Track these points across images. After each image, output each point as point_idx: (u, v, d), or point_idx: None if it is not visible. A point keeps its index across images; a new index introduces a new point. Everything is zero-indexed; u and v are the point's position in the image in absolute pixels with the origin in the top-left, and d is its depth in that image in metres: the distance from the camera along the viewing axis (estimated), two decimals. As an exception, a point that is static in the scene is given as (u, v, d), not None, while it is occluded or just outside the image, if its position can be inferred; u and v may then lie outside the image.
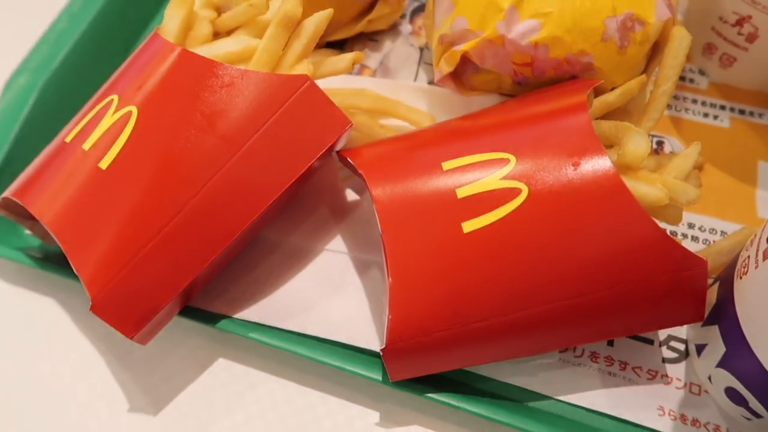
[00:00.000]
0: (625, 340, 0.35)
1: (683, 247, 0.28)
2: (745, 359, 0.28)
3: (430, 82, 0.45)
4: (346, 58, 0.36)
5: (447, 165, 0.30)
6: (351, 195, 0.39)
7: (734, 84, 0.44)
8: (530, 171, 0.29)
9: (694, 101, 0.43)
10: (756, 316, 0.27)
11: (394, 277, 0.29)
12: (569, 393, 0.33)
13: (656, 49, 0.37)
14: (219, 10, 0.39)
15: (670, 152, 0.41)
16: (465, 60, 0.38)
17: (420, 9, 0.48)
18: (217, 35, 0.38)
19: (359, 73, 0.45)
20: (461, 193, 0.29)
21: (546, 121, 0.31)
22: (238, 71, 0.32)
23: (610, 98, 0.37)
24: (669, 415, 0.32)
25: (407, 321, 0.29)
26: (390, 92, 0.43)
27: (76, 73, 0.44)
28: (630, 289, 0.28)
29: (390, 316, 0.29)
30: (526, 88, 0.39)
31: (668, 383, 0.33)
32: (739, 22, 0.39)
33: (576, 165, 0.28)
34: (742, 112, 0.43)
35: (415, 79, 0.45)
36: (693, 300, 0.29)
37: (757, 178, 0.40)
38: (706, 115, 0.43)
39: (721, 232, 0.38)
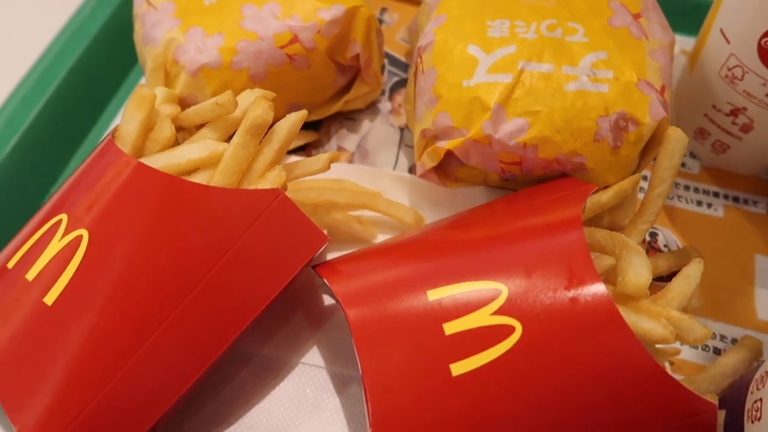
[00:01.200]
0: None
1: (690, 391, 0.26)
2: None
3: (411, 167, 0.42)
4: (322, 158, 0.34)
5: (433, 294, 0.28)
6: (328, 300, 0.37)
7: (727, 169, 0.42)
8: (523, 305, 0.26)
9: (687, 188, 0.42)
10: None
11: (376, 427, 0.26)
12: None
13: (649, 145, 0.35)
14: (183, 102, 0.37)
15: (665, 248, 0.39)
16: (449, 153, 0.36)
17: (400, 84, 0.46)
18: (180, 129, 0.35)
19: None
20: (449, 329, 0.27)
21: (538, 239, 0.29)
22: (202, 188, 0.29)
23: (603, 199, 0.34)
24: None
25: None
26: (369, 181, 0.40)
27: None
28: (634, 437, 0.26)
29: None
30: (513, 183, 0.37)
31: None
32: (734, 113, 0.38)
33: (573, 300, 0.26)
34: (736, 199, 0.41)
35: (396, 163, 0.42)
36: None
37: (755, 274, 0.38)
38: (699, 203, 0.41)
39: (721, 336, 0.36)
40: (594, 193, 0.34)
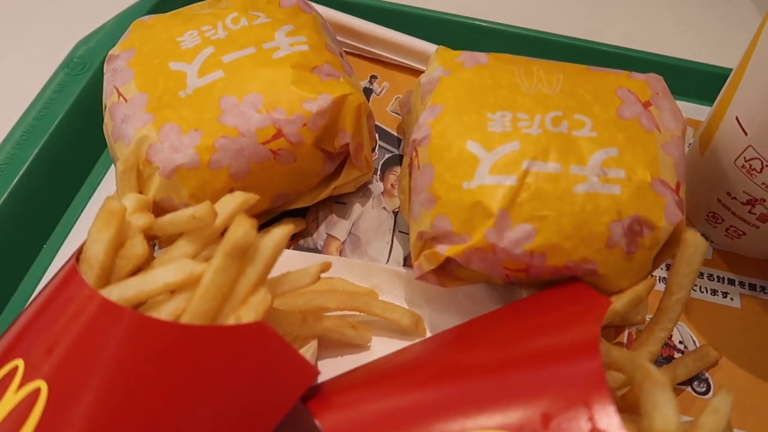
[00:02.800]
0: None
1: None
2: None
3: (407, 256, 0.39)
4: (311, 271, 0.31)
5: (437, 443, 0.25)
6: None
7: (743, 253, 0.40)
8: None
9: (701, 275, 0.39)
10: None
11: None
12: None
13: (665, 247, 0.33)
14: (158, 205, 0.34)
15: (680, 344, 0.37)
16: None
17: (392, 161, 0.43)
18: (153, 238, 0.32)
19: (324, 246, 0.39)
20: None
21: (553, 371, 0.26)
22: (175, 328, 0.26)
23: (617, 307, 0.32)
24: None
25: None
26: (363, 277, 0.37)
27: None
28: None
29: None
30: (519, 284, 0.34)
31: None
32: (751, 203, 0.35)
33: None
34: (753, 287, 0.39)
35: (390, 253, 0.39)
36: None
37: (778, 373, 0.36)
38: (714, 292, 0.38)
39: (746, 448, 0.33)
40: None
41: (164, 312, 0.28)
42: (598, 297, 0.30)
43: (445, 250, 0.32)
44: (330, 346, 0.35)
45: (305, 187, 0.39)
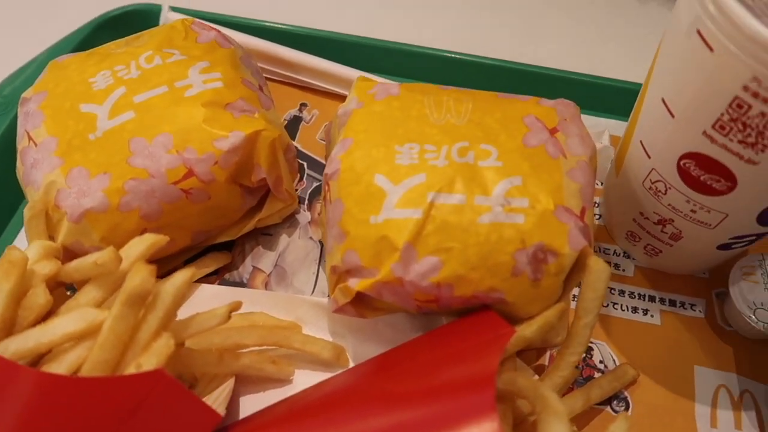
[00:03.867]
0: None
1: None
2: None
3: (333, 286, 0.39)
4: (219, 313, 0.31)
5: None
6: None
7: (662, 269, 0.40)
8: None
9: (622, 293, 0.40)
10: None
11: None
12: None
13: (573, 272, 0.33)
14: (68, 250, 0.33)
15: (600, 363, 0.37)
16: (363, 288, 0.34)
17: (320, 190, 0.43)
18: (60, 285, 0.32)
19: (250, 279, 0.40)
20: None
21: (446, 414, 0.26)
22: (70, 380, 0.26)
23: (526, 334, 0.32)
24: None
25: None
26: (286, 310, 0.38)
27: None
28: None
29: None
30: (434, 313, 0.34)
31: None
32: (661, 222, 0.36)
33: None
34: (673, 303, 0.39)
35: (315, 284, 0.40)
36: None
37: (695, 389, 0.36)
38: (635, 310, 0.39)
39: (663, 466, 0.34)
40: (519, 324, 0.33)
41: (66, 362, 0.28)
42: (503, 327, 0.31)
43: (355, 284, 0.32)
44: (251, 382, 0.35)
45: (227, 222, 0.39)
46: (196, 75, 0.36)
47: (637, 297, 0.40)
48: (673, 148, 0.31)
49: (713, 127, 0.28)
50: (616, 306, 0.39)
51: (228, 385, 0.34)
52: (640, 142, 0.34)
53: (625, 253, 0.41)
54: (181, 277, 0.29)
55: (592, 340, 0.38)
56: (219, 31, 0.41)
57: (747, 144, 0.27)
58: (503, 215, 0.31)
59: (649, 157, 0.34)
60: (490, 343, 0.29)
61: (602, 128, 0.45)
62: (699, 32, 0.26)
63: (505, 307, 0.33)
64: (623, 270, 0.41)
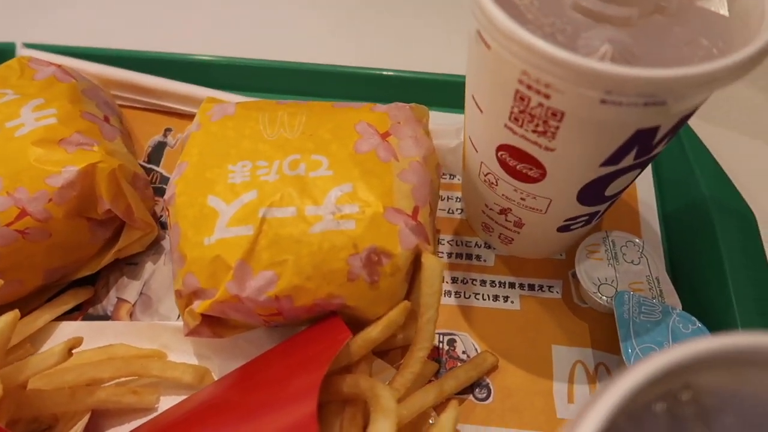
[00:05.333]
0: None
1: None
2: None
3: (200, 308, 0.40)
4: (56, 351, 0.31)
5: None
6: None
7: (519, 255, 0.42)
8: None
9: (483, 282, 0.41)
10: None
11: None
12: None
13: (414, 269, 0.34)
14: None
15: (463, 354, 0.38)
16: (213, 308, 0.34)
17: (187, 213, 0.44)
18: None
19: (114, 311, 0.39)
20: None
21: (273, 418, 0.27)
22: None
23: (372, 335, 0.33)
24: None
25: None
26: (149, 338, 0.37)
27: None
28: None
29: None
30: (283, 327, 0.35)
31: None
32: (503, 212, 0.37)
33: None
34: (531, 287, 0.41)
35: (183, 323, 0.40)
36: None
37: (553, 368, 0.37)
38: (496, 298, 0.40)
39: (523, 446, 0.35)
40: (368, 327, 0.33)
41: None
42: (342, 332, 0.31)
43: (198, 306, 0.32)
44: (114, 415, 0.35)
45: (83, 256, 0.38)
46: (29, 113, 0.36)
47: (497, 285, 0.41)
48: (489, 141, 0.32)
49: (510, 119, 0.29)
50: (477, 296, 0.40)
51: (83, 421, 0.33)
52: (469, 137, 0.36)
53: (485, 243, 0.43)
54: (4, 319, 0.29)
55: (454, 331, 0.39)
56: (59, 66, 0.41)
57: (539, 133, 0.28)
58: (334, 223, 0.32)
59: (477, 151, 0.35)
60: (328, 350, 0.30)
61: (459, 125, 0.47)
62: (479, 32, 0.28)
63: (350, 311, 0.33)
64: (484, 260, 0.42)
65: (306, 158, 0.34)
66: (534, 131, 0.29)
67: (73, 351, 0.34)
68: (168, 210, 0.34)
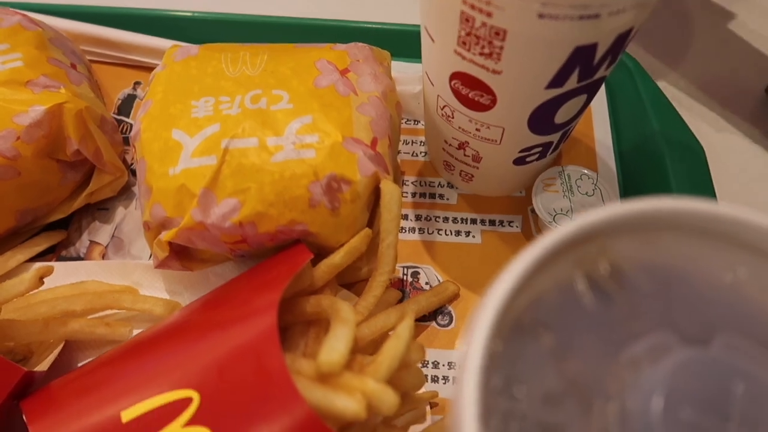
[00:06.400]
0: None
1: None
2: None
3: (170, 249, 0.41)
4: (26, 278, 0.32)
5: (127, 414, 0.26)
6: None
7: (480, 193, 0.43)
8: (214, 410, 0.26)
9: (446, 219, 0.42)
10: None
11: None
12: None
13: (375, 198, 0.35)
14: None
15: (427, 285, 0.40)
16: (181, 240, 0.35)
17: (157, 161, 0.45)
18: None
19: (88, 252, 0.40)
20: (141, 451, 0.25)
21: (234, 333, 0.28)
22: None
23: (335, 260, 0.34)
24: None
25: None
26: (121, 276, 0.39)
27: None
28: None
29: None
30: (252, 257, 0.36)
31: None
32: (461, 146, 0.39)
33: (260, 395, 0.25)
34: (492, 222, 0.42)
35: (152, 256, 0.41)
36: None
37: (512, 295, 0.39)
38: (458, 233, 0.42)
39: (481, 367, 0.37)
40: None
41: None
42: (302, 254, 0.33)
43: (164, 235, 0.33)
44: (87, 347, 0.36)
45: (55, 199, 0.39)
46: (-5, 57, 0.37)
47: (460, 221, 0.42)
48: (442, 71, 0.34)
49: (458, 44, 0.30)
50: (440, 232, 0.42)
51: (56, 350, 0.35)
52: (426, 72, 0.37)
53: (448, 183, 0.44)
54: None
55: (417, 264, 0.41)
56: (25, 15, 0.41)
57: (485, 55, 0.30)
58: (294, 152, 0.33)
59: (433, 84, 0.36)
60: (289, 269, 0.31)
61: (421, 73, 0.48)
62: (425, -43, 0.29)
63: (314, 239, 0.35)
64: (447, 199, 0.44)
65: (267, 93, 0.35)
66: (481, 54, 0.30)
67: (46, 288, 0.36)
68: (134, 147, 0.35)
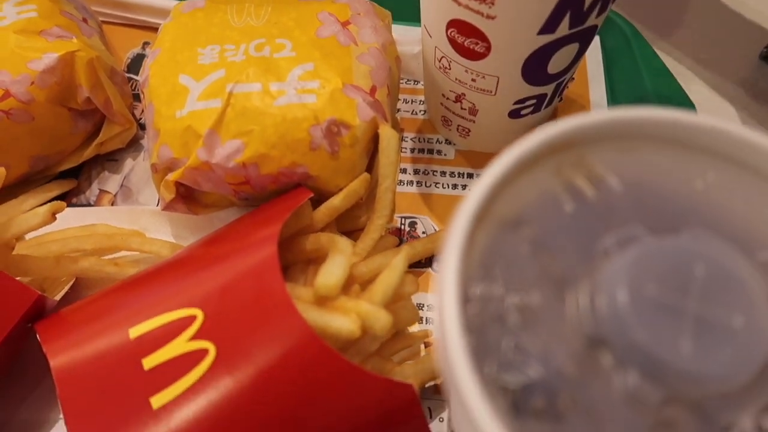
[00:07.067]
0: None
1: (386, 379, 0.27)
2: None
3: (177, 198, 0.42)
4: (40, 212, 0.33)
5: (134, 331, 0.28)
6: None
7: (477, 149, 0.45)
8: (217, 326, 0.27)
9: (443, 173, 0.44)
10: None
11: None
12: None
13: (374, 145, 0.37)
14: None
15: (423, 234, 0.41)
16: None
17: (164, 116, 0.46)
18: None
19: (97, 200, 0.42)
20: (148, 363, 0.27)
21: (236, 260, 0.30)
22: None
23: (335, 203, 0.36)
24: None
25: None
26: (129, 221, 0.40)
27: None
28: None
29: None
30: (254, 201, 0.38)
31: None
32: (458, 99, 0.40)
33: (261, 312, 0.27)
34: (488, 177, 0.44)
35: (159, 201, 0.42)
36: (414, 425, 0.28)
37: (506, 245, 0.40)
38: (455, 186, 0.43)
39: (474, 310, 0.38)
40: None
41: None
42: (302, 193, 0.34)
43: (171, 176, 0.35)
44: (96, 285, 0.38)
45: (66, 148, 0.41)
46: (10, 8, 0.38)
47: (457, 176, 0.44)
48: (439, 20, 0.35)
49: (454, -10, 0.32)
50: (438, 185, 0.43)
51: (68, 285, 0.36)
52: (424, 26, 0.38)
53: (446, 140, 0.46)
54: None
55: (415, 215, 0.42)
56: (38, -29, 0.43)
57: (479, 0, 0.31)
58: (296, 97, 0.35)
59: (431, 36, 0.37)
60: (280, 212, 0.33)
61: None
62: None
63: (314, 183, 0.36)
64: (445, 155, 0.45)
65: (271, 42, 0.36)
66: (475, -1, 0.31)
67: (58, 230, 0.37)
68: (143, 93, 0.37)
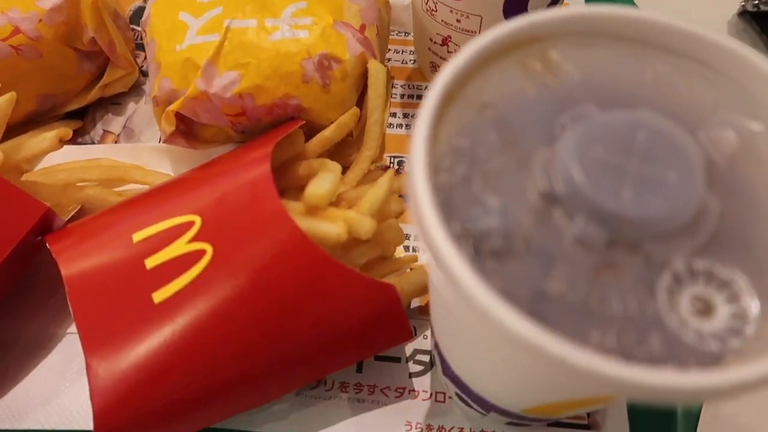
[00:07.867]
0: (372, 363, 0.36)
1: (370, 278, 0.29)
2: (450, 369, 0.30)
3: (177, 139, 0.44)
4: (49, 136, 0.35)
5: (137, 236, 0.30)
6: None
7: (465, 96, 0.47)
8: (214, 229, 0.29)
9: (431, 117, 0.46)
10: (438, 333, 0.29)
11: (90, 358, 0.28)
12: (320, 428, 0.34)
13: (362, 80, 0.39)
14: None
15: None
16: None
17: (165, 64, 0.48)
18: None
19: (101, 140, 0.44)
20: (150, 263, 0.29)
21: (233, 174, 0.32)
22: None
23: (326, 134, 0.38)
24: (416, 428, 0.34)
25: (114, 401, 0.28)
26: (130, 157, 0.42)
27: None
28: (331, 329, 0.29)
29: (94, 400, 0.28)
30: (250, 135, 0.40)
31: (415, 397, 0.35)
32: (444, 42, 0.42)
33: (254, 216, 0.29)
34: (474, 121, 0.46)
35: (160, 139, 0.44)
36: (396, 323, 0.31)
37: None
38: (442, 129, 0.45)
39: (459, 240, 0.40)
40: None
41: None
42: (293, 123, 0.36)
43: (171, 107, 0.37)
44: (100, 214, 0.40)
45: (73, 89, 0.43)
46: (18, -50, 0.40)
47: (444, 119, 0.46)
48: (425, -39, 0.37)
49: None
50: (426, 128, 0.45)
51: (74, 210, 0.38)
52: (412, -31, 0.40)
53: (435, 87, 0.48)
54: (2, 98, 0.33)
55: (404, 155, 0.44)
56: None
57: (461, -65, 0.33)
58: (290, 32, 0.37)
59: (418, -21, 0.40)
60: (272, 136, 0.35)
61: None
62: None
63: (306, 115, 0.38)
64: (433, 100, 0.47)
65: (266, -19, 0.39)
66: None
67: (63, 162, 0.40)
68: (145, 31, 0.39)
